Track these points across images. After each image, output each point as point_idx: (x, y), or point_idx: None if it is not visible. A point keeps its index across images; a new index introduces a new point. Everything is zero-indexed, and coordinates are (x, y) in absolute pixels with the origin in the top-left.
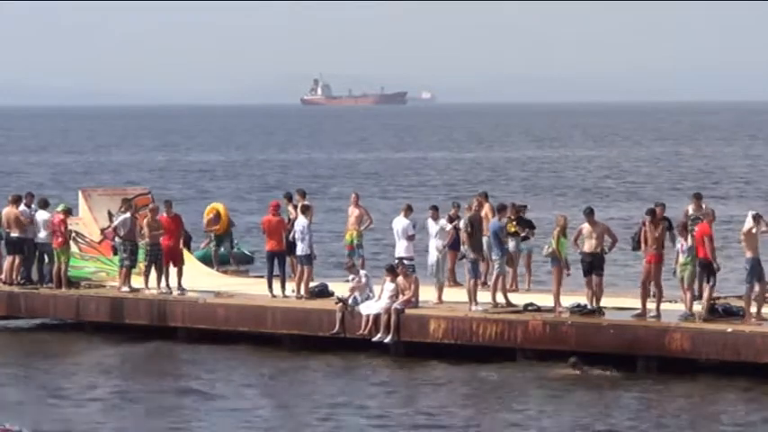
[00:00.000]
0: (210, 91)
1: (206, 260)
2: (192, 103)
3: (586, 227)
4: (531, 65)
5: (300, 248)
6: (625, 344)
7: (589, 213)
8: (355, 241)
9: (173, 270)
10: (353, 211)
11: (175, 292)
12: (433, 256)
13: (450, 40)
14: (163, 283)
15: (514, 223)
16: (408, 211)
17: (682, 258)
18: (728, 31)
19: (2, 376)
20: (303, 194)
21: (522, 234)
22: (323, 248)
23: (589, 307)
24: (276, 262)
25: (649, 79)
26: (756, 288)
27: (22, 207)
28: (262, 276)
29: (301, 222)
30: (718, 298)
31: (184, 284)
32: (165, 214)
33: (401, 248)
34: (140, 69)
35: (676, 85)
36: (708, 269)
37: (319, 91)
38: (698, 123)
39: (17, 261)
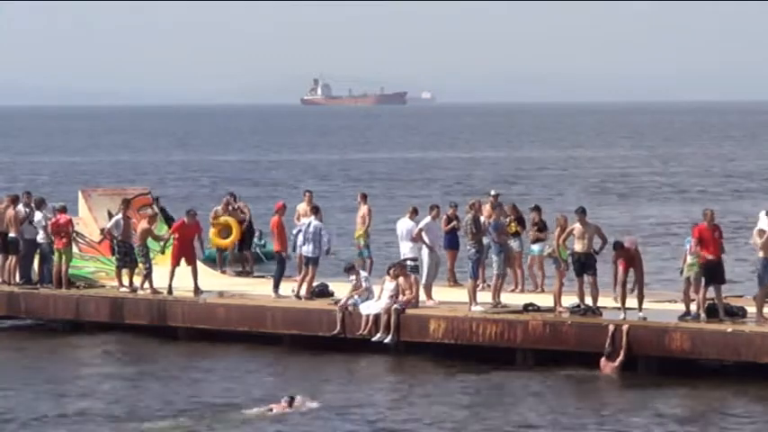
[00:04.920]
0: (210, 91)
1: (211, 261)
2: (191, 103)
3: (578, 227)
4: (531, 65)
5: (309, 249)
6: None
7: (581, 213)
8: (362, 241)
9: (179, 270)
10: (360, 210)
11: (186, 294)
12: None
13: (450, 40)
14: (165, 283)
15: (516, 223)
16: (414, 213)
17: (689, 258)
18: (729, 32)
19: (1, 376)
20: (311, 194)
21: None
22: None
23: (582, 306)
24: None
25: (650, 79)
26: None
27: (20, 206)
28: (263, 276)
29: (312, 223)
30: (713, 298)
31: (176, 285)
32: (185, 219)
33: (406, 249)
34: (140, 69)
35: (677, 85)
36: (713, 271)
37: (319, 91)
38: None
39: (13, 261)
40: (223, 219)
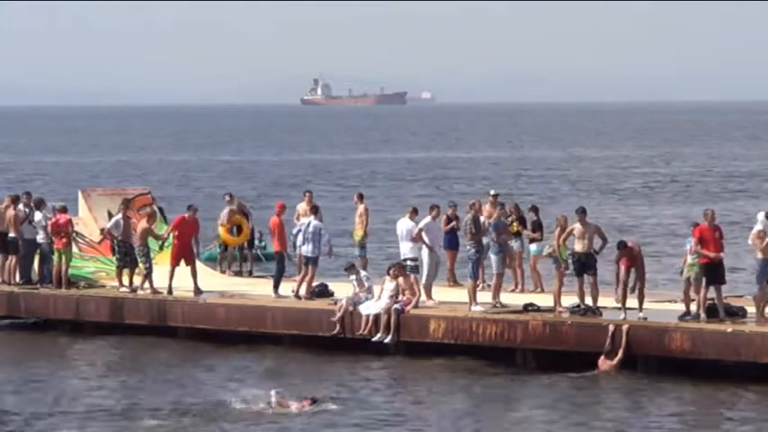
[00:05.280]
0: (210, 91)
1: (213, 261)
2: (191, 103)
3: (578, 227)
4: (531, 65)
5: (308, 249)
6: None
7: (582, 213)
8: (357, 240)
9: (178, 270)
10: (357, 210)
11: (186, 294)
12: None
13: (450, 40)
14: (165, 283)
15: (517, 223)
16: (414, 213)
17: (690, 259)
18: (729, 32)
19: (1, 377)
20: (310, 194)
21: (527, 234)
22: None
23: (582, 306)
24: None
25: (650, 79)
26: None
27: (20, 207)
28: (263, 276)
29: (312, 223)
30: (713, 298)
31: (176, 285)
32: (186, 215)
33: (406, 249)
34: (140, 69)
35: (677, 85)
36: (713, 272)
37: (319, 91)
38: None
39: (13, 261)
40: (236, 218)
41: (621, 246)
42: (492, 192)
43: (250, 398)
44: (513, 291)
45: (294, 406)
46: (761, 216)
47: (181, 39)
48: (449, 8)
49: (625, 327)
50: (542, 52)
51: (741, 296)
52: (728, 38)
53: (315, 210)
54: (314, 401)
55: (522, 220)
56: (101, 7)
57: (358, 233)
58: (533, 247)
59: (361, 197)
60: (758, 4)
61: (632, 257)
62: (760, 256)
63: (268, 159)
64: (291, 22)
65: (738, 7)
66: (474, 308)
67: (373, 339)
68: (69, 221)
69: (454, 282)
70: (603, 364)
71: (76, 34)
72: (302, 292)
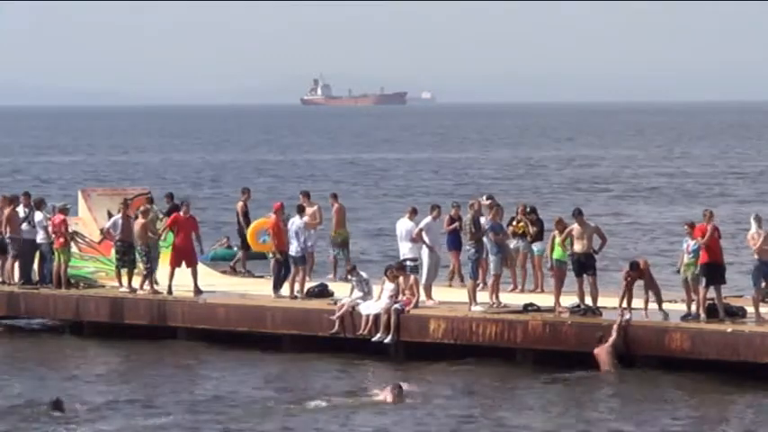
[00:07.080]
0: (210, 91)
1: (219, 260)
2: (192, 104)
3: (577, 227)
4: (531, 65)
5: (292, 249)
6: (625, 344)
7: (578, 214)
8: (339, 239)
9: (178, 270)
10: (332, 209)
11: (186, 294)
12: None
13: (450, 40)
14: (165, 283)
15: (522, 224)
16: (413, 213)
17: (686, 259)
18: (729, 32)
19: (1, 376)
20: (307, 195)
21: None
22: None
23: (582, 306)
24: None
25: (650, 79)
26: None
27: (20, 207)
28: (263, 276)
29: (295, 223)
30: (713, 298)
31: (176, 285)
32: (181, 213)
33: (405, 249)
34: (140, 69)
35: (677, 85)
36: (713, 272)
37: (319, 91)
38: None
39: (10, 261)
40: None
41: (634, 267)
42: (484, 198)
43: (251, 397)
44: (512, 291)
45: (381, 395)
46: (752, 218)
47: (181, 39)
48: (449, 8)
49: (619, 318)
50: (542, 52)
51: (741, 296)
52: (728, 38)
53: (300, 209)
54: (399, 388)
55: (530, 222)
56: (101, 7)
57: (336, 233)
58: (536, 246)
59: (335, 197)
60: (758, 4)
61: (641, 277)
62: (755, 256)
63: (268, 159)
64: (291, 22)
65: (738, 7)
66: (474, 308)
67: (373, 339)
68: (63, 221)
69: (461, 282)
70: (599, 349)
71: (76, 34)
72: (296, 291)
